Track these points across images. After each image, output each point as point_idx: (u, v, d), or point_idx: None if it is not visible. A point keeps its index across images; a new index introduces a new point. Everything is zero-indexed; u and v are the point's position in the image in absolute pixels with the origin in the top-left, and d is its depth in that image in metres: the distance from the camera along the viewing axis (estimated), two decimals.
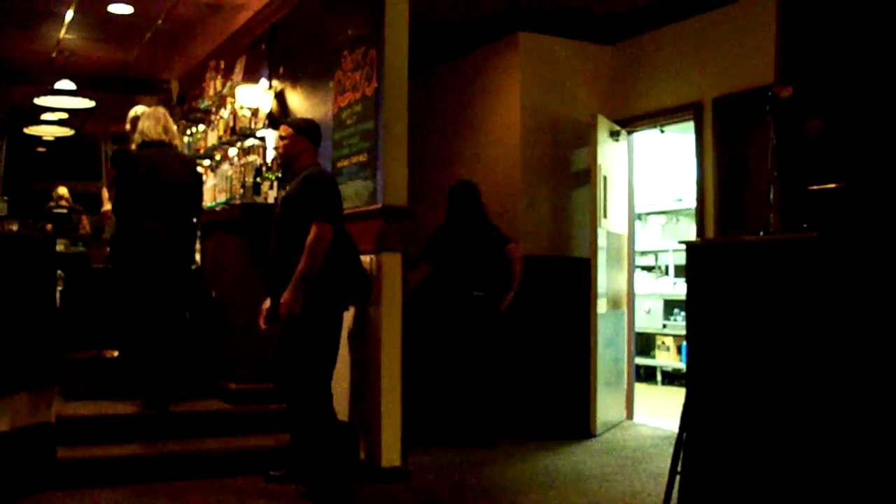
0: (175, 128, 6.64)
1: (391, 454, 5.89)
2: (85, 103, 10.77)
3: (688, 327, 4.49)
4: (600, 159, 7.62)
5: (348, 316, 6.31)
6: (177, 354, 6.41)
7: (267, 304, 5.55)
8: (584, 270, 7.63)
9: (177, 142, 6.60)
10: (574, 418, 7.55)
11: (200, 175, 6.86)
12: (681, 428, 4.56)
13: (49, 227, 8.89)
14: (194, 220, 6.64)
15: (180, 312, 6.54)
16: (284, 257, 5.34)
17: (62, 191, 10.90)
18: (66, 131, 13.16)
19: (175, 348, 6.38)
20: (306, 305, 5.23)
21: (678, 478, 4.46)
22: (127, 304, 6.42)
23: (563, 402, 7.76)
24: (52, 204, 10.57)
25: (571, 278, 7.92)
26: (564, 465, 6.42)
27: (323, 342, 5.41)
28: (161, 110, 6.63)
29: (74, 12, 8.49)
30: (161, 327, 6.32)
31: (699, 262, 4.34)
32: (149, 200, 6.26)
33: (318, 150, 5.66)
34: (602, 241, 7.58)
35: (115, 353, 6.84)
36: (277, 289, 5.32)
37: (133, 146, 6.59)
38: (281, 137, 5.64)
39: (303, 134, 5.58)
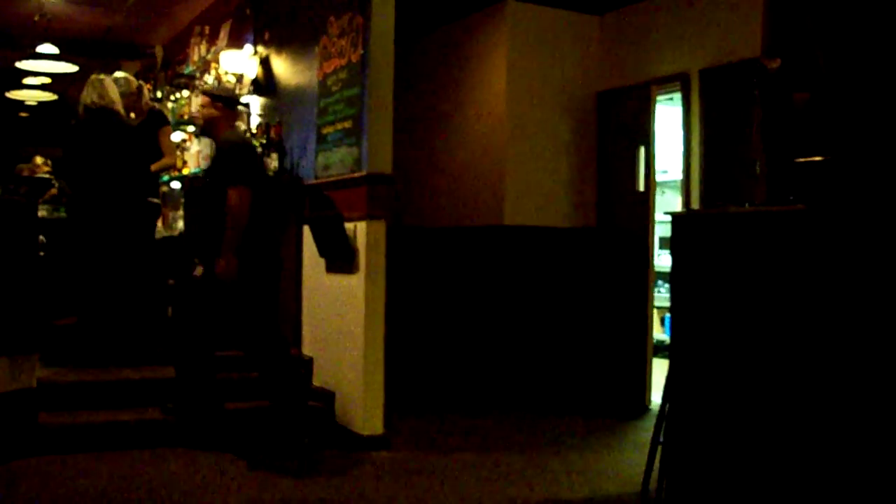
0: (113, 92, 6.67)
1: (374, 422, 5.89)
2: (68, 68, 10.67)
3: (672, 299, 4.48)
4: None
5: (332, 283, 6.31)
6: (139, 319, 6.54)
7: (199, 271, 5.72)
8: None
9: (117, 107, 6.66)
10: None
11: (138, 138, 6.95)
12: (664, 399, 4.58)
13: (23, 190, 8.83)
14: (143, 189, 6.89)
15: (138, 279, 6.73)
16: (212, 225, 5.54)
17: (39, 160, 10.81)
18: (49, 96, 13.05)
19: (134, 313, 6.50)
20: (241, 268, 5.45)
21: (660, 448, 4.48)
22: (81, 270, 6.66)
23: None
24: (20, 167, 10.49)
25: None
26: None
27: (263, 298, 5.66)
28: (99, 77, 6.74)
29: None
30: (115, 293, 6.55)
31: (684, 234, 4.33)
32: (81, 170, 6.57)
33: (236, 115, 6.00)
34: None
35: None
36: (210, 256, 5.54)
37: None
38: (202, 106, 5.90)
39: (218, 101, 5.79)
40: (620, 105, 8.07)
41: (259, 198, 5.58)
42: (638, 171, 7.68)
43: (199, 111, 6.01)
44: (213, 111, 5.78)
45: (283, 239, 6.69)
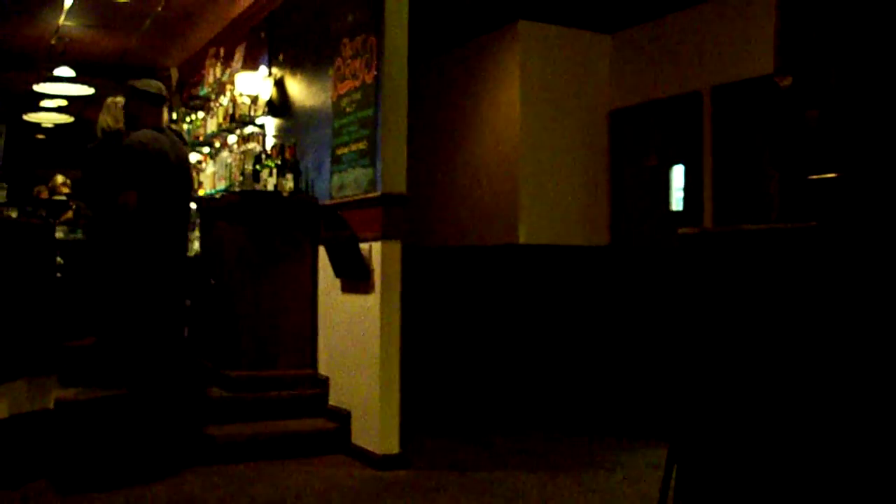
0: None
1: (390, 441, 5.90)
2: (84, 90, 10.76)
3: (679, 320, 4.43)
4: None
5: (347, 303, 6.34)
6: (162, 342, 6.54)
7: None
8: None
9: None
10: None
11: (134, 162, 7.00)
12: (676, 419, 4.55)
13: (42, 213, 8.91)
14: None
15: (157, 301, 6.66)
16: (106, 223, 5.90)
17: (60, 179, 10.89)
18: (65, 118, 13.15)
19: (152, 335, 6.52)
20: (123, 267, 5.76)
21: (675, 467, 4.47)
22: (99, 292, 6.67)
23: None
24: (39, 189, 10.57)
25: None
26: None
27: (142, 299, 5.98)
28: (115, 100, 6.82)
29: None
30: (133, 314, 6.44)
31: (695, 253, 4.29)
32: (98, 192, 6.55)
33: (158, 112, 6.08)
34: None
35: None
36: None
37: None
38: (123, 102, 6.11)
39: (141, 98, 5.98)
40: (641, 121, 8.12)
41: (154, 201, 5.76)
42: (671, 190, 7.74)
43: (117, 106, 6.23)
44: (133, 106, 5.98)
45: (295, 258, 6.76)
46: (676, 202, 8.01)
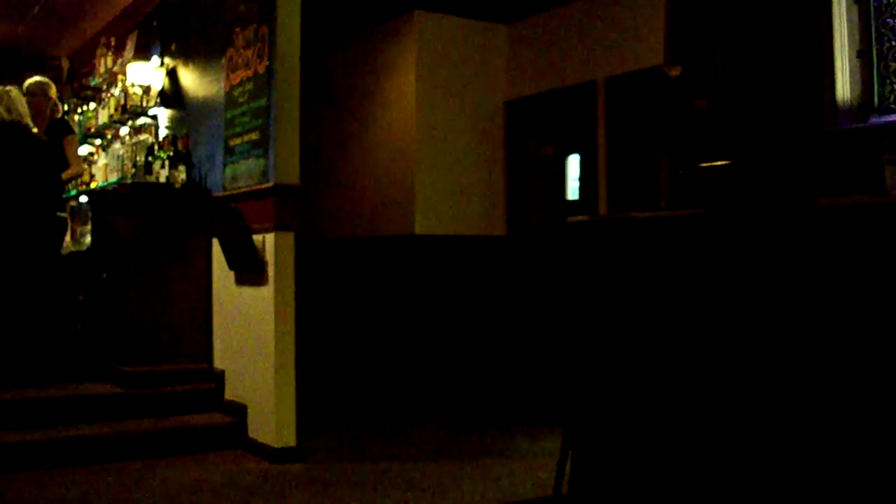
0: (22, 106, 6.60)
1: (286, 435, 5.86)
2: None
3: (567, 307, 4.47)
4: None
5: (242, 295, 6.28)
6: (47, 336, 6.45)
7: None
8: None
9: (26, 120, 6.58)
10: None
11: (48, 153, 6.83)
12: (568, 407, 4.59)
13: None
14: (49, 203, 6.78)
15: (46, 295, 6.61)
16: None
17: None
18: None
19: (42, 330, 6.42)
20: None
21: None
22: None
23: None
24: None
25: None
26: None
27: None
28: (6, 89, 6.67)
29: None
30: (21, 310, 6.44)
31: (583, 241, 4.32)
32: None
33: None
34: None
35: None
36: None
37: None
38: None
39: None
40: (537, 111, 8.18)
41: None
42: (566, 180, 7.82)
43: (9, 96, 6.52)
44: None
45: (189, 251, 6.68)
46: (573, 192, 8.10)
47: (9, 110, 6.47)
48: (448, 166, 8.09)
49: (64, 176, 7.16)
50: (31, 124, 6.66)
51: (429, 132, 7.99)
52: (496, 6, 8.14)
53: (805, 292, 3.21)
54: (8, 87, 6.69)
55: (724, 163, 4.31)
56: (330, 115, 9.03)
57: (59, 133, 7.34)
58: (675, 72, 5.04)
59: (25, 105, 6.67)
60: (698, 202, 4.20)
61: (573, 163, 8.09)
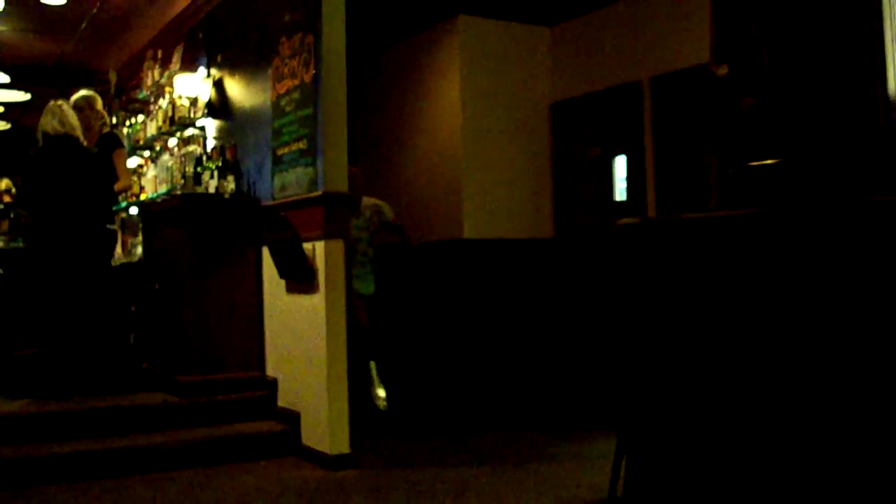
0: (74, 119, 6.67)
1: (340, 441, 5.88)
2: (20, 96, 10.60)
3: (621, 310, 4.44)
4: None
5: (293, 304, 6.31)
6: (101, 347, 6.53)
7: None
8: None
9: (77, 133, 6.64)
10: None
11: (100, 165, 6.91)
12: (623, 409, 4.56)
13: None
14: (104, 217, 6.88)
15: (99, 307, 6.67)
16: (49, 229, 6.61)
17: (4, 184, 10.72)
18: (1, 125, 12.95)
19: (95, 342, 6.49)
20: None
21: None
22: (40, 301, 6.63)
23: None
24: None
25: None
26: None
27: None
28: (58, 103, 6.72)
29: (6, 3, 8.30)
30: (76, 322, 6.50)
31: (635, 243, 4.30)
32: (42, 198, 6.55)
33: None
34: None
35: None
36: None
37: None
38: None
39: None
40: (582, 113, 8.16)
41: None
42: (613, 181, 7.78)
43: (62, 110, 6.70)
44: None
45: (239, 260, 6.73)
46: (620, 192, 8.07)
47: (62, 123, 6.57)
48: (494, 170, 8.09)
49: (115, 188, 7.23)
50: (82, 137, 6.75)
51: (474, 136, 7.99)
52: (539, 8, 8.14)
53: (862, 290, 3.17)
54: (59, 101, 6.78)
55: (774, 161, 4.27)
56: (373, 121, 9.06)
57: (110, 146, 7.42)
58: (722, 71, 5.00)
59: (77, 118, 6.75)
60: (749, 202, 4.16)
61: (620, 163, 8.05)
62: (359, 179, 7.44)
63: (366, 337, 7.29)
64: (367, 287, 7.62)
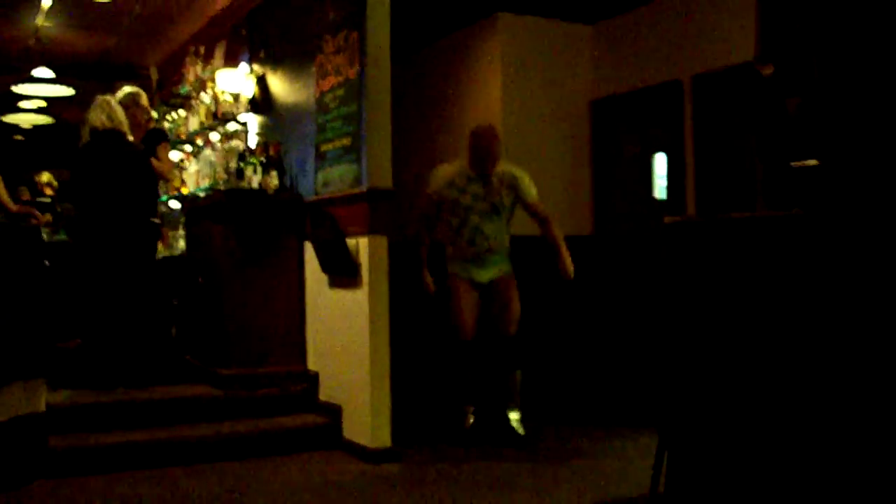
0: (121, 114, 6.74)
1: (382, 435, 5.93)
2: (64, 91, 10.72)
3: (665, 309, 4.45)
4: None
5: (335, 298, 6.36)
6: (144, 340, 6.66)
7: None
8: None
9: (124, 128, 6.71)
10: None
11: (146, 160, 6.98)
12: (665, 407, 4.57)
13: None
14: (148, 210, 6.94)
15: (142, 300, 6.74)
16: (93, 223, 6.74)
17: (46, 177, 10.83)
18: (45, 119, 13.08)
19: (138, 334, 6.61)
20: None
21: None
22: (84, 293, 6.71)
23: None
24: (21, 190, 10.50)
25: None
26: None
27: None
28: (106, 98, 6.78)
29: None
30: (119, 315, 6.58)
31: (679, 243, 4.30)
32: (89, 192, 6.63)
33: None
34: None
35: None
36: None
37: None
38: None
39: None
40: (623, 111, 8.16)
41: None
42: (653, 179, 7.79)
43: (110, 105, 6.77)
44: None
45: (282, 255, 6.80)
46: (660, 190, 8.05)
47: (110, 118, 6.64)
48: (534, 167, 8.05)
49: (156, 170, 7.25)
50: (128, 132, 6.82)
51: (515, 133, 8.00)
52: (580, 6, 8.14)
53: None
54: (107, 96, 6.86)
55: (820, 162, 4.26)
56: (414, 118, 9.09)
57: (155, 141, 7.50)
58: (767, 70, 4.98)
59: (123, 113, 6.82)
60: (794, 203, 4.16)
61: (660, 162, 8.04)
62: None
63: (505, 341, 6.56)
64: (480, 274, 6.73)
